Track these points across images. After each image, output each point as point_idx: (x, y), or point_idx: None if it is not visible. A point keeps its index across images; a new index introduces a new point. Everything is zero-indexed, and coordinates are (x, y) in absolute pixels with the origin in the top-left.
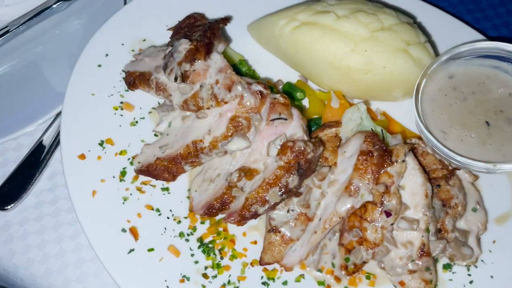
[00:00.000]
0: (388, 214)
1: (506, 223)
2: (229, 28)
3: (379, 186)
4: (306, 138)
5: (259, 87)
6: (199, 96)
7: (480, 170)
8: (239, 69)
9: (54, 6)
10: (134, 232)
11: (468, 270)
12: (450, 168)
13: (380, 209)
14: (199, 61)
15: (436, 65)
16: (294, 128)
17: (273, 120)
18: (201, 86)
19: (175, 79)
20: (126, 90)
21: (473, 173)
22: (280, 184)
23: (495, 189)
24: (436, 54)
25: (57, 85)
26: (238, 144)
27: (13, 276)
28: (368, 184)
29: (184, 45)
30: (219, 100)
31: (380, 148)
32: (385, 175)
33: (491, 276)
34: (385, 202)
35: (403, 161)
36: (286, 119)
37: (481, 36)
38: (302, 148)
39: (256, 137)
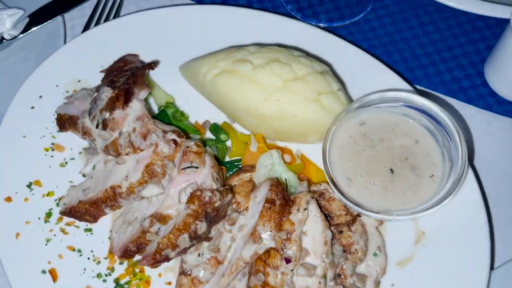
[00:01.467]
0: (288, 260)
1: (407, 266)
2: (164, 68)
3: (281, 233)
4: (215, 186)
5: (173, 136)
6: (118, 143)
7: (377, 219)
8: (165, 112)
9: None
10: (53, 273)
11: None
12: (354, 214)
13: (281, 255)
14: (118, 110)
15: (346, 113)
16: (205, 176)
17: (184, 168)
18: (120, 133)
19: (97, 126)
20: (58, 131)
21: None
22: (189, 231)
23: (400, 233)
24: (350, 99)
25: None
26: (152, 191)
27: None
28: (271, 231)
29: (106, 93)
30: (135, 147)
31: (282, 197)
32: (288, 222)
33: None
34: (285, 249)
35: (305, 209)
36: (197, 167)
37: (403, 82)
38: (208, 198)
39: (169, 184)
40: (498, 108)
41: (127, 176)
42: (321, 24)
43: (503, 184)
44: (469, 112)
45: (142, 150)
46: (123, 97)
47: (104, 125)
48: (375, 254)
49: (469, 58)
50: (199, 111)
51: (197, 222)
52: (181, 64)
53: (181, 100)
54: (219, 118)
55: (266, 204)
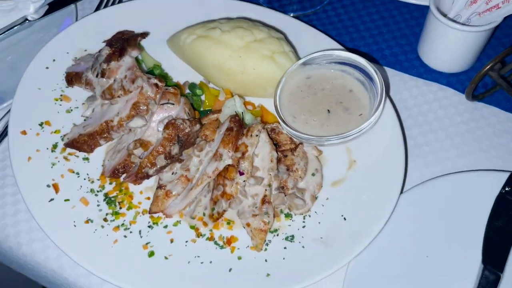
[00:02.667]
0: (241, 173)
1: (339, 186)
2: (154, 43)
3: (237, 153)
4: (186, 118)
5: (155, 81)
6: (113, 88)
7: (313, 143)
8: (152, 72)
9: (19, 25)
10: (55, 187)
11: (304, 218)
12: (297, 143)
13: (236, 169)
14: (114, 62)
15: (294, 67)
16: (179, 110)
17: (163, 104)
18: (114, 80)
19: (97, 75)
20: (66, 87)
21: (317, 149)
22: (165, 152)
23: (335, 162)
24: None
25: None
26: (137, 123)
27: None
28: (229, 152)
29: (105, 51)
30: (125, 90)
31: (238, 125)
32: (243, 146)
33: (319, 222)
34: (240, 164)
35: (257, 135)
36: (173, 104)
37: (340, 47)
38: (181, 124)
39: (151, 118)
40: (427, 76)
41: (118, 113)
42: (289, 14)
43: (423, 130)
44: (404, 78)
45: (130, 92)
46: (118, 52)
47: (102, 73)
48: (313, 174)
49: (406, 39)
50: (181, 75)
51: (171, 144)
52: (168, 38)
53: (168, 67)
54: (196, 79)
55: (226, 132)
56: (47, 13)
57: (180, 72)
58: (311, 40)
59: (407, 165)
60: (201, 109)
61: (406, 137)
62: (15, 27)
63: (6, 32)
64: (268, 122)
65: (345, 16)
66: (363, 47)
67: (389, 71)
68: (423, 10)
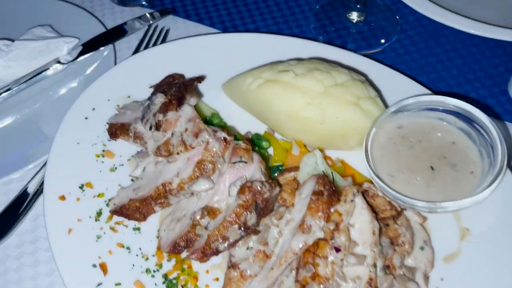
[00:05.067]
0: (337, 249)
1: (454, 262)
2: (206, 88)
3: (330, 224)
4: (264, 179)
5: (223, 134)
6: (170, 143)
7: (424, 210)
8: (211, 121)
9: (50, 68)
10: (103, 267)
11: None
12: (399, 209)
13: (330, 245)
14: (171, 112)
15: (385, 116)
16: (254, 170)
17: (234, 162)
18: (172, 133)
19: (150, 128)
20: (109, 140)
21: (421, 215)
22: (239, 222)
23: (444, 231)
24: (386, 107)
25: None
26: (203, 185)
27: None
28: (319, 222)
29: (159, 99)
30: (187, 145)
31: (329, 188)
32: (336, 214)
33: None
34: (335, 238)
35: (352, 200)
36: (246, 162)
37: (427, 91)
38: (259, 188)
39: (219, 179)
40: None
41: (178, 173)
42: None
43: None
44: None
45: (193, 148)
46: (176, 101)
47: (158, 126)
48: (421, 248)
49: (492, 79)
50: (241, 124)
51: (247, 213)
52: (224, 82)
53: (224, 114)
54: (260, 129)
55: (313, 197)
56: (80, 55)
57: (240, 122)
58: (391, 82)
59: None
60: (269, 165)
61: None
62: (45, 72)
63: (35, 77)
64: (357, 183)
65: (417, 54)
66: (444, 89)
67: None
68: (506, 48)
